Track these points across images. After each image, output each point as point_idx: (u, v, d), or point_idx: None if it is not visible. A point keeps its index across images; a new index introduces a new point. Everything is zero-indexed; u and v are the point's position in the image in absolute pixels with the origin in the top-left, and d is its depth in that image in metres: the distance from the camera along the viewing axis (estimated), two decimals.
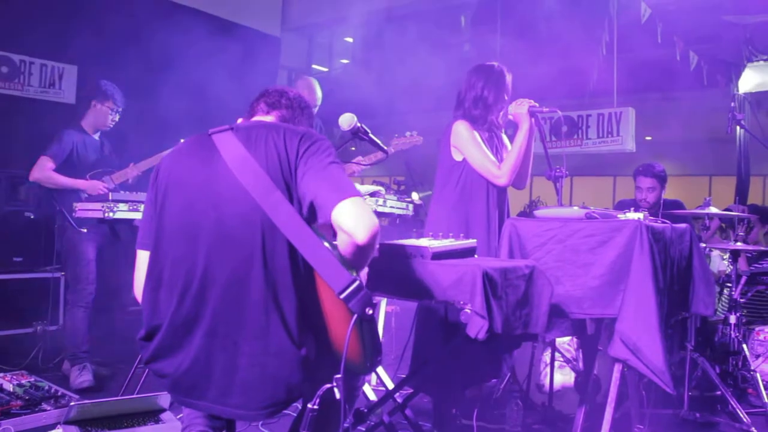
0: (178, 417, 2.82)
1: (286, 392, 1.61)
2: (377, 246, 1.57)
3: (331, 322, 1.65)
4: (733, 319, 3.53)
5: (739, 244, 3.46)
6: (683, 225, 2.85)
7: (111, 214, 3.40)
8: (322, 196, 1.58)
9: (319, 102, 4.12)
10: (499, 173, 2.95)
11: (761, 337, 3.89)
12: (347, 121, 2.61)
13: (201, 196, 1.68)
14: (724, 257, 4.54)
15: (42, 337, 4.12)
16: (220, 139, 1.71)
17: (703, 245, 3.45)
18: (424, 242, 2.14)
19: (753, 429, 3.07)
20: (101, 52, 5.14)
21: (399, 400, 2.55)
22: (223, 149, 1.69)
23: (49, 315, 4.25)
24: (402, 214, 3.50)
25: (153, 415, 2.90)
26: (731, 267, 3.66)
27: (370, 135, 2.65)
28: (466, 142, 2.96)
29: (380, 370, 2.98)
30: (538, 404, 3.24)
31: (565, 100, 8.12)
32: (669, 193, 4.23)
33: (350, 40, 12.04)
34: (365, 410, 2.45)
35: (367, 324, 1.57)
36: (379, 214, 3.39)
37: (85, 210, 3.53)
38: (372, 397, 2.87)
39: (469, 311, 1.90)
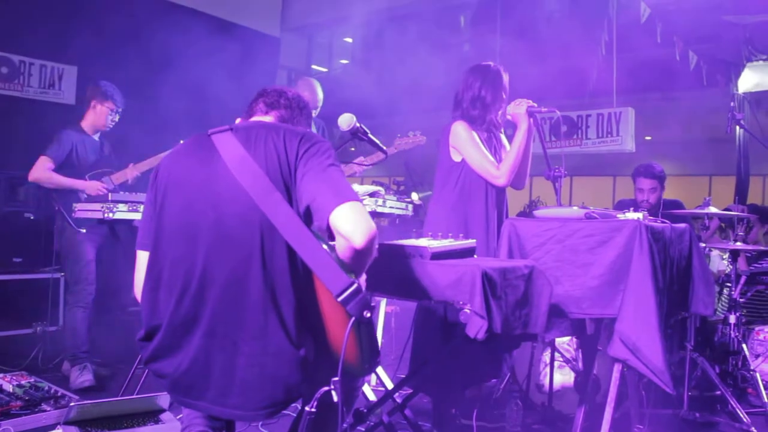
0: (178, 417, 2.82)
1: (285, 392, 1.61)
2: (375, 250, 1.57)
3: (329, 323, 1.65)
4: (732, 318, 3.53)
5: (738, 243, 3.46)
6: (682, 225, 2.85)
7: (110, 215, 3.40)
8: (321, 199, 1.58)
9: (320, 103, 4.12)
10: (498, 173, 2.95)
11: (761, 336, 3.89)
12: (346, 121, 2.61)
13: (200, 196, 1.68)
14: (724, 257, 4.54)
15: (42, 337, 4.12)
16: (219, 140, 1.71)
17: (703, 245, 3.45)
18: (423, 242, 2.14)
19: (753, 429, 3.07)
20: (101, 52, 5.15)
21: (398, 400, 2.55)
22: (223, 150, 1.69)
23: (48, 315, 4.25)
24: (401, 214, 3.50)
25: (153, 415, 2.90)
26: (731, 267, 3.66)
27: (369, 135, 2.65)
28: (464, 143, 2.97)
29: (380, 370, 2.98)
30: (537, 404, 3.24)
31: (564, 100, 8.12)
32: (668, 193, 4.22)
33: (350, 40, 12.06)
34: (365, 410, 2.46)
35: (365, 327, 1.57)
36: (378, 215, 3.39)
37: (85, 210, 3.53)
38: (371, 397, 2.87)
39: (468, 311, 1.90)
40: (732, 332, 3.53)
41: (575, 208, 2.61)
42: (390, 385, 3.03)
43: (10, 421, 2.85)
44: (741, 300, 3.72)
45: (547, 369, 3.15)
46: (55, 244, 3.82)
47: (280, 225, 1.58)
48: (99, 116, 3.88)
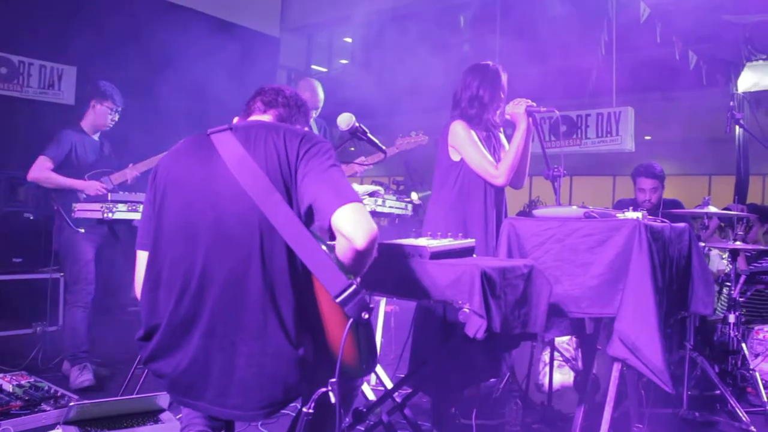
0: (178, 417, 2.82)
1: (284, 392, 1.61)
2: (375, 251, 1.58)
3: (328, 323, 1.65)
4: (732, 318, 3.53)
5: (738, 243, 3.46)
6: (682, 224, 2.85)
7: (110, 215, 3.39)
8: (322, 199, 1.58)
9: (321, 104, 4.12)
10: (497, 173, 2.95)
11: (760, 336, 3.89)
12: (345, 121, 2.61)
13: (199, 196, 1.68)
14: (723, 256, 4.54)
15: (41, 337, 4.12)
16: (218, 139, 1.71)
17: (702, 244, 3.45)
18: (422, 242, 2.14)
19: (752, 428, 3.07)
20: (101, 52, 5.16)
21: (398, 399, 2.55)
22: (222, 149, 1.69)
23: (48, 315, 4.25)
24: (401, 214, 3.50)
25: (152, 415, 2.90)
26: (730, 266, 3.66)
27: (369, 135, 2.65)
28: (463, 142, 2.97)
29: (379, 369, 2.97)
30: (537, 403, 3.24)
31: (564, 99, 8.12)
32: (668, 193, 4.21)
33: (349, 40, 12.05)
34: (364, 410, 2.45)
35: (363, 328, 1.57)
36: (377, 214, 3.39)
37: (84, 210, 3.53)
38: (371, 396, 2.87)
39: (467, 310, 1.90)
40: (731, 331, 3.53)
41: (574, 207, 2.61)
42: (389, 385, 3.03)
43: (10, 421, 2.85)
44: (740, 299, 3.72)
45: (547, 368, 3.15)
46: (54, 243, 3.82)
47: (280, 225, 1.58)
48: (98, 116, 3.88)
